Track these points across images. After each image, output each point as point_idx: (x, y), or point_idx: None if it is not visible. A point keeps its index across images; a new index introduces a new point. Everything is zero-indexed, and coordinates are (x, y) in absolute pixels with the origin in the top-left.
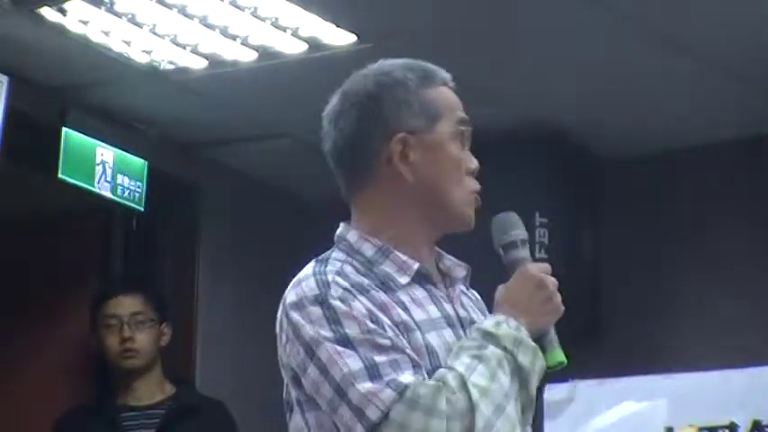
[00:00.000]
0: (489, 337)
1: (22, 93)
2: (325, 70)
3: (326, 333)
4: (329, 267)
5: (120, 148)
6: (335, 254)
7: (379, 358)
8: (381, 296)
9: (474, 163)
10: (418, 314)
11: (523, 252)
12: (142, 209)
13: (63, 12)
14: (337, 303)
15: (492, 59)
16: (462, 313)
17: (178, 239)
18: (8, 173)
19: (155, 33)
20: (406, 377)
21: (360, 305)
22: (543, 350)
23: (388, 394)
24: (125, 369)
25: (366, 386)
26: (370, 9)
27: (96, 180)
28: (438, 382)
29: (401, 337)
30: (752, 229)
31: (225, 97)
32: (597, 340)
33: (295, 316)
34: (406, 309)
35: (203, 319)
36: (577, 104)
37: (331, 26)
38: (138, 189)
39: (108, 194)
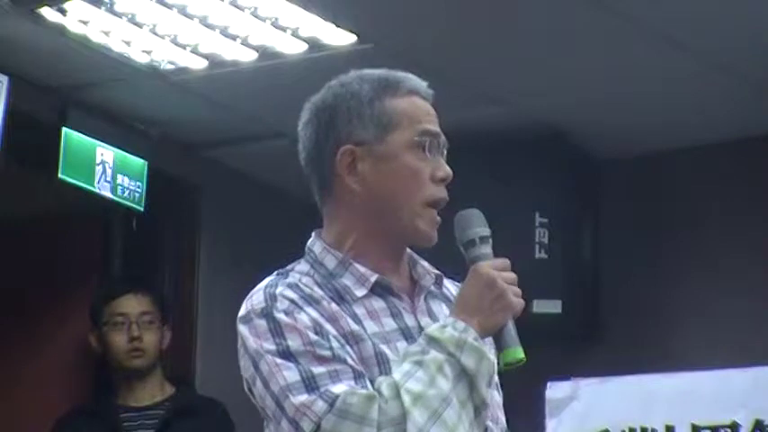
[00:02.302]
0: (433, 342)
1: (22, 92)
2: (325, 70)
3: (269, 346)
4: (285, 280)
5: (120, 148)
6: (300, 266)
7: (318, 369)
8: (333, 307)
9: (443, 171)
10: (371, 326)
11: (482, 249)
12: (142, 209)
13: (63, 12)
14: (281, 316)
15: (492, 59)
16: (427, 323)
17: (178, 240)
18: (8, 173)
19: (155, 33)
20: (340, 387)
21: (305, 317)
22: (501, 348)
23: (320, 406)
24: (130, 369)
25: (300, 399)
26: (369, 9)
27: (96, 180)
28: (371, 390)
29: (347, 347)
30: (752, 228)
31: (225, 97)
32: (597, 340)
33: (243, 330)
34: (358, 321)
35: (203, 319)
36: (577, 104)
37: (331, 26)
38: (138, 189)
39: (108, 194)
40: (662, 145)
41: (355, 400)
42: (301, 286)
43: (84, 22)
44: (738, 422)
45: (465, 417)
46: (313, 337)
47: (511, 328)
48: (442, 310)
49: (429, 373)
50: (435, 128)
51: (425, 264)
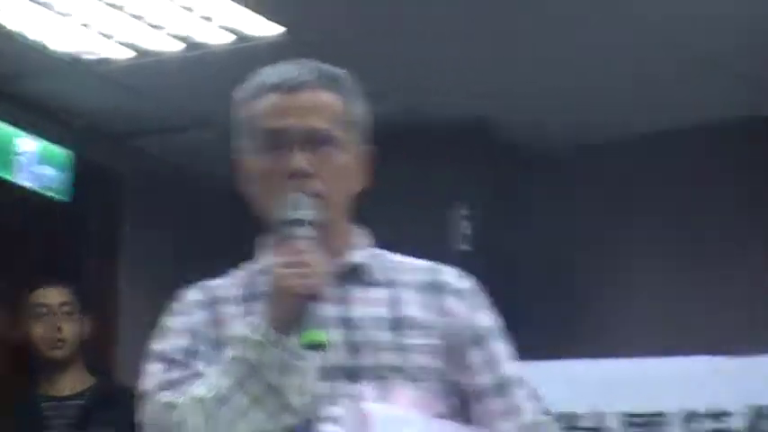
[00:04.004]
0: (233, 340)
1: None
2: (251, 61)
3: (155, 347)
4: (207, 282)
5: (44, 139)
6: (259, 258)
7: (165, 377)
8: (230, 310)
9: (290, 166)
10: None
11: (288, 231)
12: (67, 199)
13: None
14: (168, 318)
15: (419, 53)
16: (358, 313)
17: (102, 229)
18: None
19: (77, 23)
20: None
21: (181, 322)
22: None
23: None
24: (51, 359)
25: (146, 406)
26: (296, 1)
27: (17, 170)
28: (171, 398)
29: (213, 353)
30: (684, 212)
31: (150, 88)
32: (522, 328)
33: None
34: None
35: (125, 309)
36: (502, 96)
37: (258, 17)
38: (62, 179)
39: (30, 185)
40: (589, 135)
41: (152, 409)
42: (213, 287)
43: (3, 11)
44: (665, 411)
45: (257, 412)
46: (179, 342)
47: (309, 312)
48: (360, 294)
49: (217, 373)
50: (278, 123)
51: (360, 253)
